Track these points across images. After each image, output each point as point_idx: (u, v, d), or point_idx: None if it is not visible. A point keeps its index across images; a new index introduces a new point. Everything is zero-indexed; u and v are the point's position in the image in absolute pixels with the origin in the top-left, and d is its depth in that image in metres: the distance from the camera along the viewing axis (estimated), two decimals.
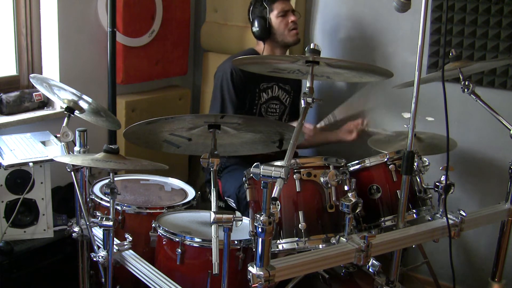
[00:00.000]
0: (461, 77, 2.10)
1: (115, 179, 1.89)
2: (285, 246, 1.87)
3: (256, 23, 2.69)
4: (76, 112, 2.04)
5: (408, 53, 2.81)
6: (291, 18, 2.70)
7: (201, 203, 2.38)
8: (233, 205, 2.60)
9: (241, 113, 2.64)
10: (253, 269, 1.49)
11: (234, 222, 1.62)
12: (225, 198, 2.65)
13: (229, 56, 2.79)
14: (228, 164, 2.70)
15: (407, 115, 2.76)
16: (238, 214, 1.62)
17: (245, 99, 2.69)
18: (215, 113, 2.66)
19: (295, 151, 2.15)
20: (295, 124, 1.94)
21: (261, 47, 2.75)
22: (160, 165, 1.96)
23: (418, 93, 1.72)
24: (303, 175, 1.89)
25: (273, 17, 2.68)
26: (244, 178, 1.99)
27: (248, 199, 1.98)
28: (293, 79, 2.83)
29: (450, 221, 1.90)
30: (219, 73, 2.69)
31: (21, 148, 2.28)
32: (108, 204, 1.97)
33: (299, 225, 1.86)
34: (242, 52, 2.81)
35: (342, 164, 1.98)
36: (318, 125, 2.65)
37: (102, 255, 1.87)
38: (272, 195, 1.43)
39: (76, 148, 2.04)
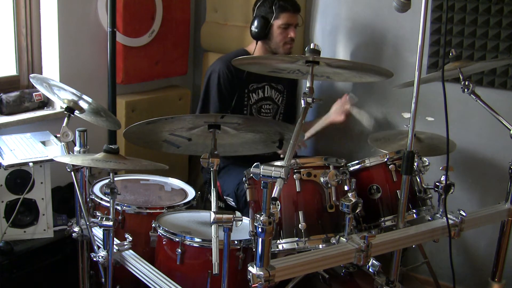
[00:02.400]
0: (461, 77, 2.10)
1: (115, 179, 1.89)
2: (285, 246, 1.87)
3: (256, 22, 2.67)
4: (76, 112, 2.04)
5: (408, 53, 2.81)
6: (291, 33, 2.67)
7: (201, 203, 2.38)
8: (232, 203, 2.60)
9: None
10: (253, 269, 1.49)
11: (234, 222, 1.62)
12: (224, 197, 2.65)
13: (219, 57, 2.79)
14: (225, 164, 2.70)
15: (407, 115, 2.78)
16: (238, 214, 1.62)
17: (231, 100, 2.67)
18: (198, 113, 2.69)
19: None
20: None
21: (253, 46, 2.75)
22: (160, 165, 1.96)
23: (418, 93, 1.72)
24: (303, 175, 1.89)
25: (276, 25, 2.65)
26: (244, 178, 1.99)
27: (248, 199, 1.98)
28: (286, 78, 2.83)
29: (450, 221, 1.90)
30: (207, 73, 2.71)
31: (21, 148, 2.28)
32: (108, 204, 1.97)
33: (299, 225, 1.86)
34: (233, 52, 2.79)
35: (342, 164, 1.98)
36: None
37: (102, 255, 1.87)
38: (272, 195, 1.43)
39: (76, 148, 2.04)
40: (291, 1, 2.67)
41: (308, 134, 2.83)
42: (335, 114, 2.81)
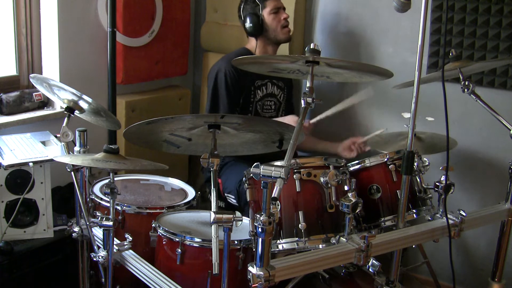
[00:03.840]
0: (461, 77, 2.10)
1: (115, 179, 1.89)
2: (285, 246, 1.87)
3: (248, 20, 2.71)
4: (76, 112, 2.04)
5: (408, 53, 2.81)
6: (283, 15, 2.74)
7: (201, 203, 2.38)
8: (233, 201, 2.60)
9: (234, 112, 2.66)
10: (253, 269, 1.49)
11: (234, 222, 1.62)
12: (226, 194, 2.65)
13: (222, 56, 2.81)
14: (226, 161, 2.70)
15: (407, 115, 2.77)
16: (238, 214, 1.62)
17: (239, 97, 2.70)
18: (207, 113, 2.69)
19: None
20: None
21: (253, 44, 2.77)
22: (160, 165, 1.96)
23: (418, 93, 1.72)
24: (303, 175, 1.89)
25: (266, 14, 2.71)
26: (244, 178, 1.99)
27: (248, 199, 1.98)
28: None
29: (450, 221, 1.90)
30: (212, 73, 2.71)
31: (21, 148, 2.28)
32: (108, 204, 1.97)
33: (299, 225, 1.86)
34: (235, 51, 2.81)
35: (342, 164, 1.98)
36: (312, 121, 2.58)
37: (102, 255, 1.87)
38: (272, 195, 1.43)
39: (76, 148, 2.04)
40: None
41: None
42: (344, 149, 2.78)
